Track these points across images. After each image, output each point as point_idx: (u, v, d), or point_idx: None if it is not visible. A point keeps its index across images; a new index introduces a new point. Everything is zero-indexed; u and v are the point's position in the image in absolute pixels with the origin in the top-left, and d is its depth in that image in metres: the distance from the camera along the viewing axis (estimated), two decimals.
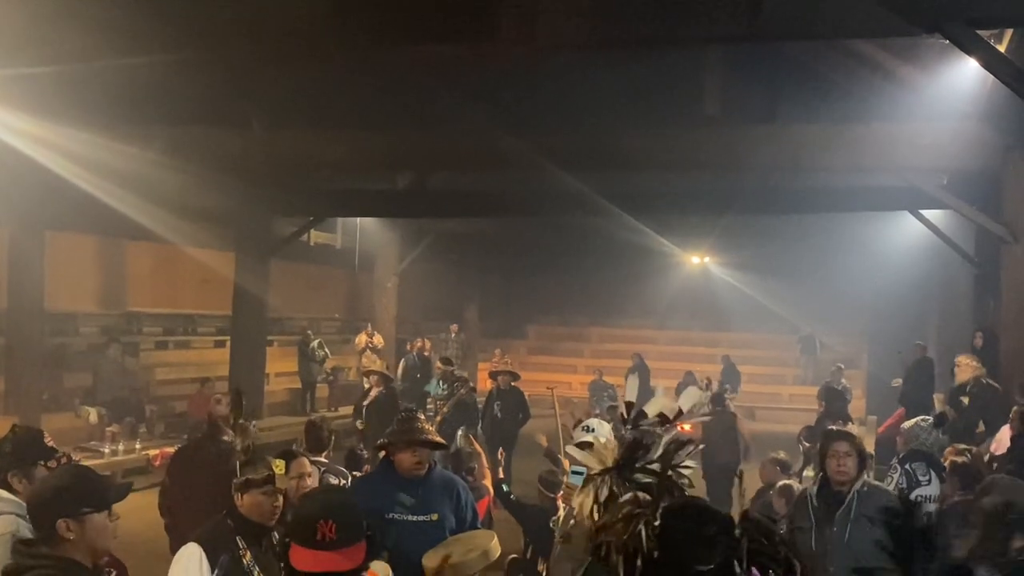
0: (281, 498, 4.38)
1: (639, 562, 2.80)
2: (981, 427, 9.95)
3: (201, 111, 13.52)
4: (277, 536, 4.31)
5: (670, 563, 2.80)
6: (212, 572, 4.04)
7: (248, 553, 4.16)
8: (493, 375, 14.93)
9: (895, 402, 14.80)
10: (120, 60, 9.93)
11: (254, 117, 13.98)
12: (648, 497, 3.07)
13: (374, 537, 2.97)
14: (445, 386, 14.49)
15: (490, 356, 25.55)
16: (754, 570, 2.94)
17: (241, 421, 6.57)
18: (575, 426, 5.21)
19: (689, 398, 3.97)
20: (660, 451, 3.52)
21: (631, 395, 4.52)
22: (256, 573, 4.14)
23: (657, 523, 2.84)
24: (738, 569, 2.85)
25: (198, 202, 16.04)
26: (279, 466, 4.52)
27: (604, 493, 3.50)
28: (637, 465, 3.46)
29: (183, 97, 12.90)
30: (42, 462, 4.31)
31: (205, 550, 4.08)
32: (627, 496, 3.11)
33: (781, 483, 8.22)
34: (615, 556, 2.88)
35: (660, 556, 2.79)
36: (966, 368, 10.60)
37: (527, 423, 13.66)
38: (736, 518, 3.02)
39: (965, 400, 10.38)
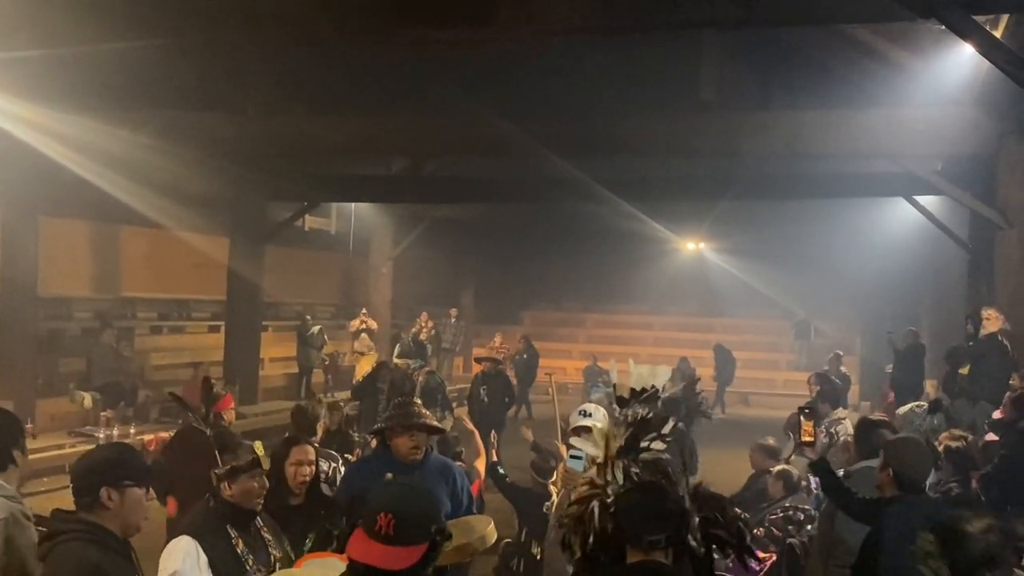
0: (265, 480, 4.34)
1: (591, 538, 3.06)
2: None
3: (195, 95, 13.48)
4: (261, 520, 4.29)
5: (622, 535, 3.06)
6: (208, 562, 3.98)
7: (240, 541, 4.12)
8: (478, 360, 15.11)
9: (889, 388, 14.85)
10: (113, 44, 9.90)
11: (248, 102, 13.94)
12: (613, 480, 3.26)
13: (438, 544, 2.84)
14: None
15: (484, 342, 25.53)
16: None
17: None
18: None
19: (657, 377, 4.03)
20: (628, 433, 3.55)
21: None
22: (250, 561, 4.10)
23: (611, 499, 3.11)
24: (692, 541, 3.10)
25: (192, 187, 16.02)
26: (259, 447, 4.51)
27: (620, 477, 3.51)
28: (641, 445, 3.50)
29: (177, 81, 12.87)
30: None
31: (199, 541, 4.03)
32: (584, 483, 3.25)
33: (779, 468, 8.26)
34: (570, 536, 3.10)
35: (614, 530, 3.05)
36: (995, 320, 10.56)
37: (512, 407, 13.88)
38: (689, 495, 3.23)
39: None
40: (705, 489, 3.31)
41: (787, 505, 7.74)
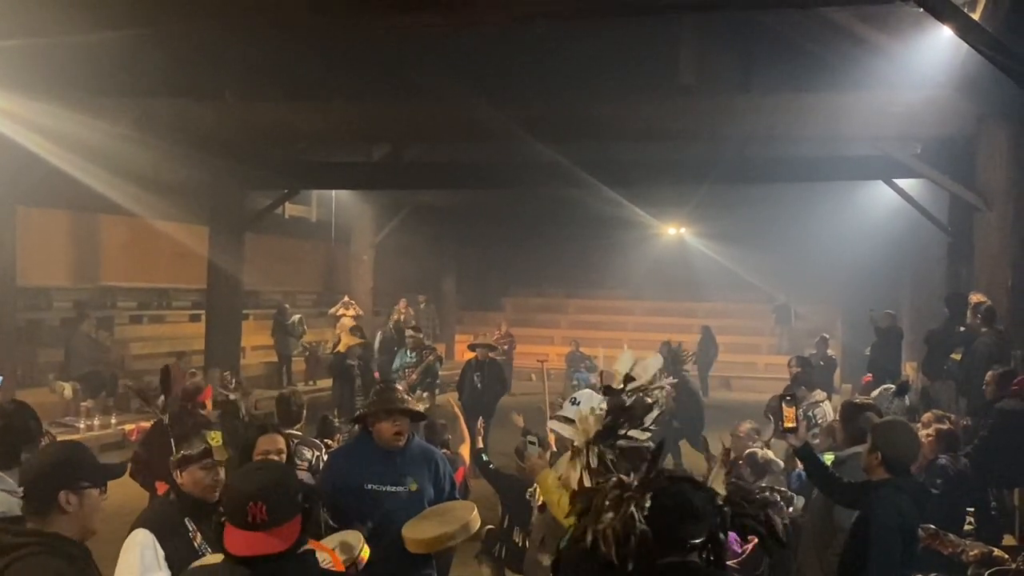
0: (222, 471, 4.22)
1: (633, 543, 2.85)
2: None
3: (173, 83, 13.37)
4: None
5: (664, 539, 2.88)
6: (164, 556, 3.92)
7: (199, 535, 4.04)
8: (472, 347, 15.06)
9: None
10: (90, 33, 9.79)
11: (227, 89, 13.83)
12: (630, 478, 3.10)
13: (311, 511, 2.87)
14: (414, 355, 14.88)
15: (467, 328, 25.51)
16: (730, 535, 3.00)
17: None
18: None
19: (648, 368, 4.03)
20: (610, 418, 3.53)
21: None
22: (208, 554, 3.97)
23: (648, 503, 2.91)
24: (723, 536, 2.96)
25: (171, 175, 15.92)
26: (215, 438, 4.43)
27: (594, 462, 3.49)
28: (620, 432, 3.47)
29: (155, 69, 12.75)
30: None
31: (156, 535, 3.97)
32: (612, 480, 3.09)
33: (747, 452, 8.26)
34: (607, 542, 2.88)
35: (654, 534, 2.87)
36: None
37: (504, 395, 13.90)
38: (719, 488, 3.08)
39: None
40: (734, 481, 3.24)
41: (763, 486, 7.75)
